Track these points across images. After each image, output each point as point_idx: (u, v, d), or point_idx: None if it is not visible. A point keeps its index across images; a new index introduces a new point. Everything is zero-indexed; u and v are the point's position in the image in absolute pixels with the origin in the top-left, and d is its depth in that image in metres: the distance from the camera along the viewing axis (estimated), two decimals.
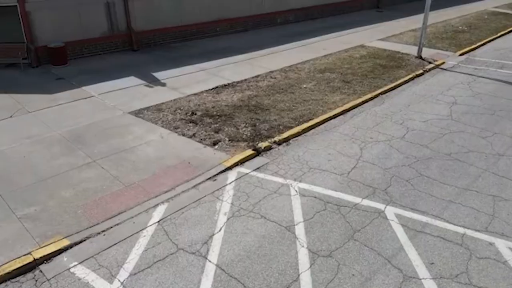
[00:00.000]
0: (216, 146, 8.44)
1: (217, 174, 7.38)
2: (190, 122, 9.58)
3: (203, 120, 9.66)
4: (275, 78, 12.67)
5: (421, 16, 22.50)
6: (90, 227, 6.03)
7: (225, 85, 12.03)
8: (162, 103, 10.51)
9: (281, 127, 9.36)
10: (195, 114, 9.98)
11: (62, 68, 13.15)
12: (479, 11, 25.27)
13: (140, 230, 5.93)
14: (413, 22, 21.51)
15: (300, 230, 5.90)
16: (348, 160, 7.86)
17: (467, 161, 7.89)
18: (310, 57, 14.85)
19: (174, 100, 10.77)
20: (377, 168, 7.55)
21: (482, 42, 17.47)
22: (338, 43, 16.97)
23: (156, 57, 14.64)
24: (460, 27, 20.39)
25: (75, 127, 9.10)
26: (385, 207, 6.43)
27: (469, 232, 5.94)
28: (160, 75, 12.69)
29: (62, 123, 9.29)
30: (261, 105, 10.50)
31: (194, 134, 8.94)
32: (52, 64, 13.25)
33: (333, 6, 23.17)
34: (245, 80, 12.44)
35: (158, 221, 6.12)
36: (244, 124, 9.46)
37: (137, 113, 9.92)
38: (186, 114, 9.97)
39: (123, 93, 11.18)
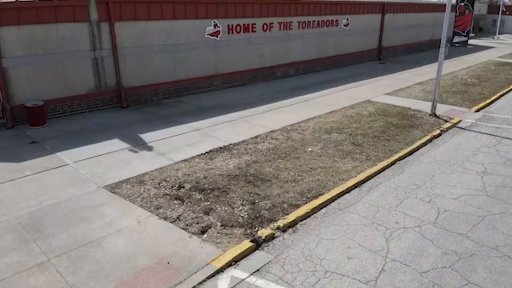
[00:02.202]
0: (205, 235, 6.80)
1: (203, 281, 5.68)
2: (176, 198, 8.02)
3: (191, 195, 8.11)
4: (276, 139, 11.30)
5: (424, 69, 21.86)
6: None
7: (220, 148, 10.63)
8: (145, 173, 9.00)
9: (285, 205, 7.78)
10: (183, 187, 8.45)
11: (40, 129, 11.82)
12: (484, 62, 24.69)
13: None
14: (418, 74, 20.73)
15: None
16: (373, 258, 6.18)
17: None
18: (314, 114, 13.62)
19: (160, 168, 9.29)
20: (411, 272, 5.86)
21: (496, 96, 16.41)
22: (342, 98, 15.86)
23: (145, 115, 13.40)
24: (469, 80, 19.50)
25: (36, 208, 7.51)
26: None
27: None
28: (147, 136, 11.32)
29: (22, 202, 7.71)
30: (261, 174, 9.01)
31: (178, 217, 7.34)
32: (29, 124, 11.95)
33: (334, 58, 22.53)
34: (243, 141, 11.06)
35: None
36: (241, 201, 7.90)
37: (114, 187, 8.38)
38: (172, 187, 8.43)
39: (103, 160, 9.72)
